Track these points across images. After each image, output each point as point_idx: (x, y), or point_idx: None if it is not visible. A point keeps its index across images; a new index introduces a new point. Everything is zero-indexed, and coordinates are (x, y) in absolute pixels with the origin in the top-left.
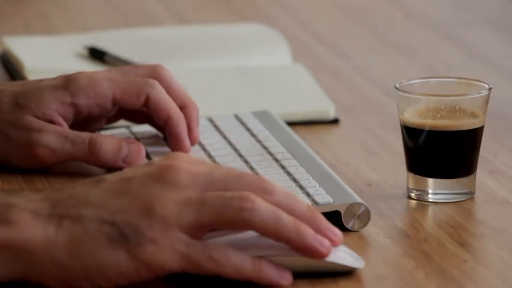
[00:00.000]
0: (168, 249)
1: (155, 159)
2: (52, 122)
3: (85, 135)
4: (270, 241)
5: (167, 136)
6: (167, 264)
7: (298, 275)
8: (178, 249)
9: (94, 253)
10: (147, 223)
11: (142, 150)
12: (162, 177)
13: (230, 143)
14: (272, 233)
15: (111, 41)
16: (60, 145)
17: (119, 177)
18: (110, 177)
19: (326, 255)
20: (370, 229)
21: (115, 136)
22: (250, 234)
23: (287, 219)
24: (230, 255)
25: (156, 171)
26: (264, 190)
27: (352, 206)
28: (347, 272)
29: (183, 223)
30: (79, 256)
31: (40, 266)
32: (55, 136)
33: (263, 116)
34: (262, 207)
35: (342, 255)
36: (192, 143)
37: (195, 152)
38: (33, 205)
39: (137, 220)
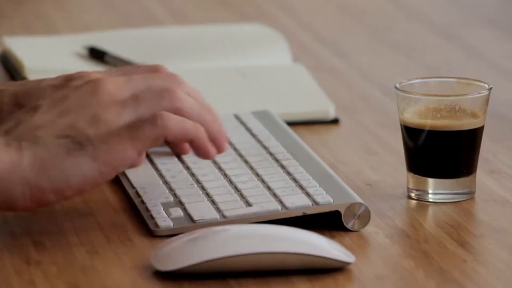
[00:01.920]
0: (118, 142)
1: (73, 82)
2: None
3: None
4: (266, 238)
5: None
6: (122, 155)
7: (298, 273)
8: (125, 136)
9: (58, 165)
10: (96, 129)
11: None
12: (93, 90)
13: (230, 143)
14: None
15: (111, 41)
16: None
17: (52, 99)
18: (43, 102)
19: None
20: (370, 229)
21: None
22: (249, 231)
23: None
24: (171, 118)
25: (86, 87)
26: (179, 84)
27: (352, 206)
28: (346, 272)
29: (126, 121)
30: (45, 171)
31: (9, 188)
32: None
33: (263, 116)
34: (184, 97)
35: (335, 252)
36: (220, 151)
37: None
38: None
39: (86, 128)
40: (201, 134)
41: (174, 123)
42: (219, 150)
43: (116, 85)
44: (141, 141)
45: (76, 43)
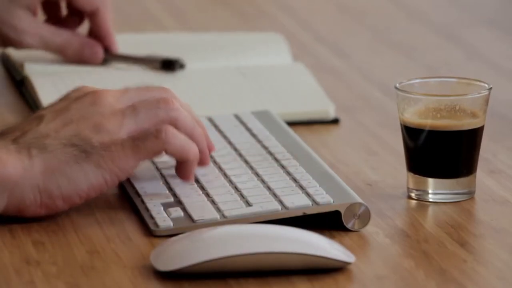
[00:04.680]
0: (121, 151)
1: (73, 94)
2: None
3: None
4: (266, 238)
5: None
6: (125, 164)
7: (298, 273)
8: (127, 146)
9: (66, 172)
10: (99, 138)
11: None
12: (94, 101)
13: (230, 143)
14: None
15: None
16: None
17: (54, 110)
18: (46, 112)
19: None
20: (370, 229)
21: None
22: (249, 231)
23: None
24: (175, 134)
25: (87, 98)
26: (173, 96)
27: (352, 206)
28: (346, 272)
29: (127, 130)
30: (54, 178)
31: (20, 195)
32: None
33: (263, 116)
34: (179, 108)
35: (335, 252)
36: (205, 164)
37: None
38: None
39: (90, 137)
40: (195, 158)
41: (177, 141)
42: (205, 162)
43: (114, 96)
44: (143, 153)
45: None
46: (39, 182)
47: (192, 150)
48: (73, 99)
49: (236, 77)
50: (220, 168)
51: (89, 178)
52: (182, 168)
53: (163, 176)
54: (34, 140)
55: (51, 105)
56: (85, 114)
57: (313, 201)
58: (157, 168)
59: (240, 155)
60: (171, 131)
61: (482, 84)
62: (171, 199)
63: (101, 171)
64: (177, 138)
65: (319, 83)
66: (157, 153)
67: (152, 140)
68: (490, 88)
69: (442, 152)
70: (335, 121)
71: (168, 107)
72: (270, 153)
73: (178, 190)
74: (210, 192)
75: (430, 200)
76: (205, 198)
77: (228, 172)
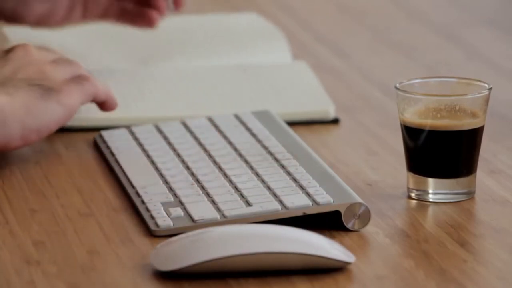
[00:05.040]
0: (71, 91)
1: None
2: None
3: None
4: (266, 238)
5: None
6: (76, 102)
7: (298, 273)
8: (73, 88)
9: (38, 107)
10: (48, 82)
11: None
12: (26, 53)
13: (230, 143)
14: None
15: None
16: None
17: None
18: None
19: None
20: (370, 229)
21: None
22: (249, 231)
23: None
24: (96, 82)
25: (18, 50)
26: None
27: (352, 206)
28: (346, 272)
29: (62, 77)
30: (31, 113)
31: (7, 130)
32: None
33: (263, 116)
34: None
35: (335, 252)
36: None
37: (196, 152)
38: None
39: (42, 81)
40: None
41: (101, 82)
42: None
43: (36, 49)
44: (84, 94)
45: (73, 31)
46: (21, 118)
47: (107, 88)
48: (3, 51)
49: (236, 74)
50: (220, 168)
51: (54, 114)
52: (108, 103)
53: (163, 176)
54: (5, 81)
55: None
56: (25, 62)
57: (313, 201)
58: (157, 168)
59: (240, 155)
60: (92, 76)
61: (482, 84)
62: (171, 199)
63: (60, 107)
64: (100, 82)
65: (320, 81)
66: (92, 94)
67: (86, 83)
68: (490, 88)
69: (442, 152)
70: (335, 121)
71: (78, 64)
72: (270, 153)
73: (178, 190)
74: (210, 192)
75: (430, 200)
76: (205, 198)
77: (228, 172)
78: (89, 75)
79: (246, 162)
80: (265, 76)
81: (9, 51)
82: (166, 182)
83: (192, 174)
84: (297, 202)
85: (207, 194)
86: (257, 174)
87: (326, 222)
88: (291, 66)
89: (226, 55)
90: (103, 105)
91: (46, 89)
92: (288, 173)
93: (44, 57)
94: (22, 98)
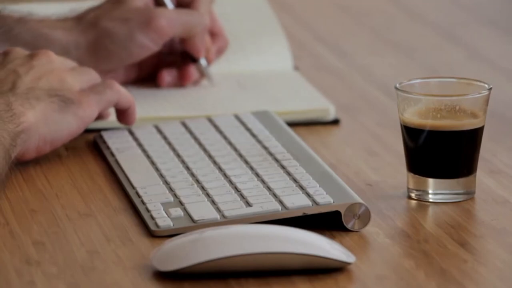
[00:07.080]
0: (89, 101)
1: (17, 50)
2: None
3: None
4: (266, 238)
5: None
6: (92, 112)
7: (298, 273)
8: (92, 97)
9: (55, 120)
10: (68, 93)
11: None
12: (49, 59)
13: (230, 143)
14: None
15: None
16: (177, 15)
17: (18, 64)
18: (13, 66)
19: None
20: (370, 229)
21: None
22: (249, 231)
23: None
24: (120, 86)
25: (40, 55)
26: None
27: (353, 206)
28: (346, 272)
29: (80, 85)
30: (48, 125)
31: (29, 141)
32: (170, 10)
33: (263, 116)
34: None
35: (335, 252)
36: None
37: (196, 152)
38: (4, 101)
39: (62, 89)
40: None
41: (124, 90)
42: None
43: (55, 56)
44: (103, 103)
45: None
46: (40, 130)
47: (131, 97)
48: (27, 56)
49: (235, 88)
50: (220, 169)
51: (69, 127)
52: (129, 114)
53: (163, 176)
54: (28, 91)
55: (8, 61)
56: (47, 69)
57: (313, 201)
58: (157, 169)
59: (240, 155)
60: (116, 82)
61: (482, 84)
62: (171, 199)
63: (76, 119)
64: (123, 89)
65: (319, 83)
66: (113, 102)
67: (108, 91)
68: (490, 88)
69: (442, 152)
70: (335, 122)
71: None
72: (270, 154)
73: (178, 190)
74: (210, 192)
75: (430, 200)
76: (205, 198)
77: (228, 173)
78: (114, 82)
79: (246, 162)
80: (263, 86)
81: (5, 54)
82: (166, 183)
83: (192, 175)
84: (297, 202)
85: (207, 195)
86: (257, 175)
87: (326, 222)
88: (287, 75)
89: (225, 61)
90: (123, 115)
91: (65, 100)
92: (288, 174)
93: (65, 64)
94: (42, 112)
